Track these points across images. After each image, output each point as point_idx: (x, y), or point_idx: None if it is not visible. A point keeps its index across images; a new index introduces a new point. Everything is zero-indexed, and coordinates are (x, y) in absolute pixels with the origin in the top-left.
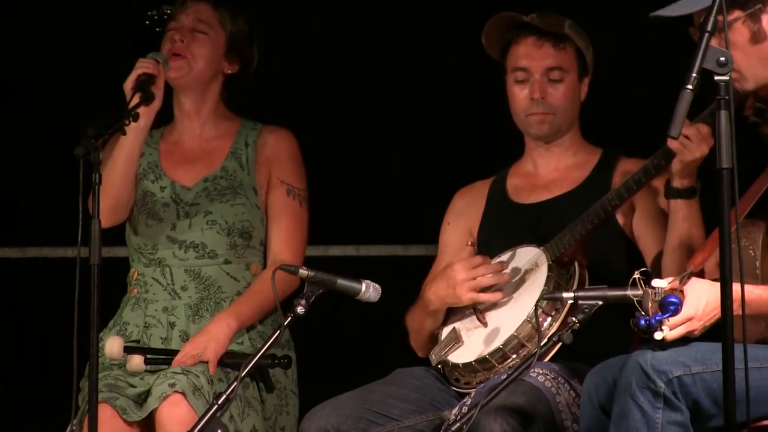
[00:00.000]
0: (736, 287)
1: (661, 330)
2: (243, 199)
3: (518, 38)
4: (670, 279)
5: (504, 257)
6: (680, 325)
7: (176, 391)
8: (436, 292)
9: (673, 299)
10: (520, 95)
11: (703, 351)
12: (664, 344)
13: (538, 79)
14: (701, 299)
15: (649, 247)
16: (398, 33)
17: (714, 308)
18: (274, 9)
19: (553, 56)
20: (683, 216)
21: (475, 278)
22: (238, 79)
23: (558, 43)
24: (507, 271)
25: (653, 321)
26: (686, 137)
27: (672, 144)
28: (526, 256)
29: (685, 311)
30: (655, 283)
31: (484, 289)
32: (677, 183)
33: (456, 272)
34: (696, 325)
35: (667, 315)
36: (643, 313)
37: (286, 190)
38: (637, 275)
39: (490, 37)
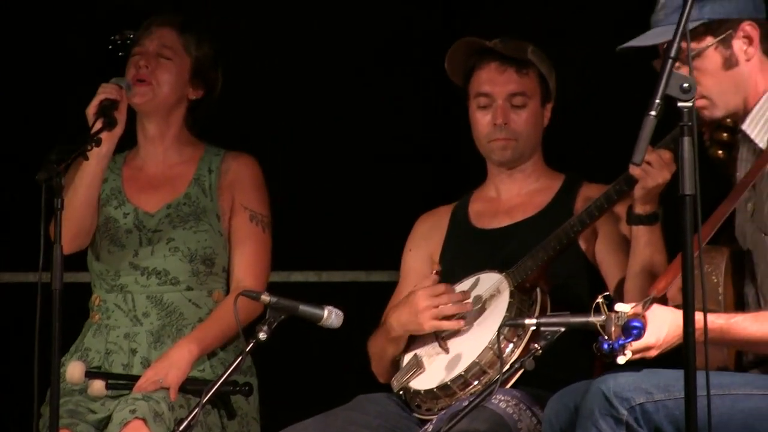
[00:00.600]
0: (698, 315)
1: (624, 354)
2: (206, 225)
3: (481, 64)
4: (633, 304)
5: (466, 283)
6: (640, 351)
7: (137, 417)
8: (398, 318)
9: (636, 323)
10: (482, 121)
11: (666, 378)
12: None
13: (501, 104)
14: (663, 327)
15: (612, 272)
16: (362, 58)
17: (674, 336)
18: (237, 34)
19: (516, 82)
20: (645, 242)
21: (437, 306)
22: (202, 104)
23: (521, 68)
24: (469, 299)
25: (616, 345)
26: (648, 163)
27: (634, 170)
28: (488, 282)
29: (647, 338)
30: (618, 307)
31: (447, 317)
32: (639, 209)
33: (418, 299)
34: (654, 352)
35: (630, 339)
36: (606, 337)
37: (249, 216)
38: (600, 300)
39: (453, 62)
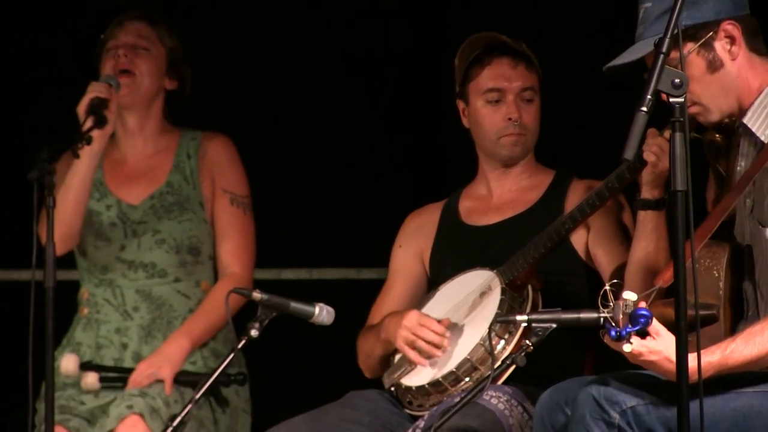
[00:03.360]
0: (692, 361)
1: (630, 342)
2: (190, 214)
3: (490, 60)
4: (643, 294)
5: (456, 281)
6: (639, 353)
7: (134, 413)
8: (389, 323)
9: (644, 312)
10: (493, 117)
11: (657, 380)
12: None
13: (513, 99)
14: (666, 353)
15: (606, 262)
16: (351, 58)
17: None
18: (227, 33)
19: (526, 77)
20: (652, 227)
21: (414, 334)
22: (176, 97)
23: (529, 64)
24: (444, 347)
25: (623, 333)
26: (660, 147)
27: (648, 156)
28: (479, 279)
29: (649, 354)
30: (626, 295)
31: (415, 348)
32: (647, 194)
33: (406, 319)
34: (647, 357)
35: (637, 327)
36: (613, 324)
37: (229, 199)
38: (607, 287)
39: (464, 57)
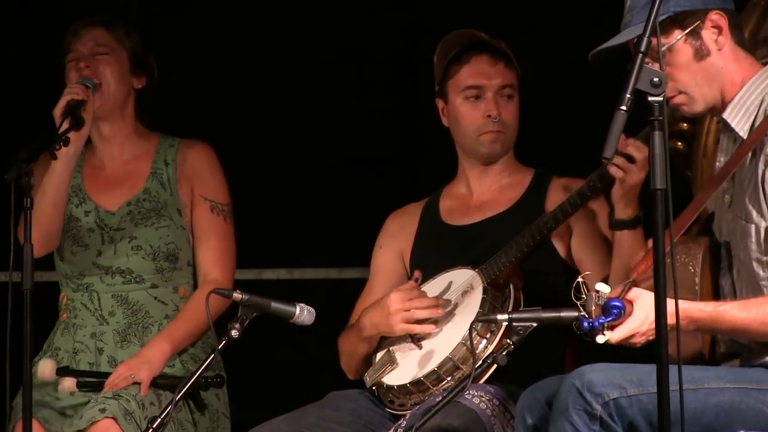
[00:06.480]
0: (685, 304)
1: (604, 334)
2: (167, 221)
3: (469, 57)
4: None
5: (438, 280)
6: (626, 336)
7: (107, 417)
8: (371, 319)
9: (616, 303)
10: (472, 114)
11: (639, 373)
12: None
13: (492, 97)
14: (651, 313)
15: (592, 270)
16: (330, 56)
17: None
18: (206, 32)
19: (505, 74)
20: (629, 245)
21: (409, 310)
22: (147, 92)
23: (508, 61)
24: (441, 305)
25: (596, 324)
26: (628, 158)
27: (615, 172)
28: (461, 278)
29: (632, 324)
30: (599, 286)
31: (417, 322)
32: (621, 213)
33: (391, 302)
34: (640, 339)
35: (610, 318)
36: (586, 315)
37: (209, 207)
38: (580, 279)
39: (444, 54)
